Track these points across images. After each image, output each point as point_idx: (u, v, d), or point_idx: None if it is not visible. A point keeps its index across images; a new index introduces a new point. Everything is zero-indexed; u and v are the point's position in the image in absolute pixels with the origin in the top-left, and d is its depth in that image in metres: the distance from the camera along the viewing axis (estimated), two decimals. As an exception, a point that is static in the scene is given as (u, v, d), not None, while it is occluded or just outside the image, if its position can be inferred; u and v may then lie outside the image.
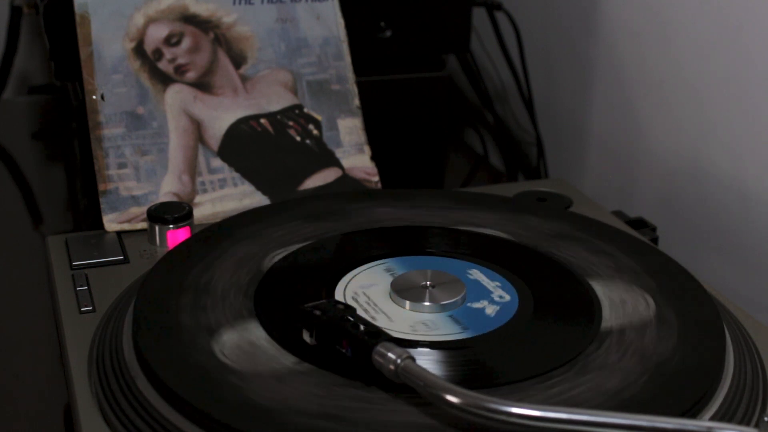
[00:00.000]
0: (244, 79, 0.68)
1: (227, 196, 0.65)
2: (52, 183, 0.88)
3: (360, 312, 0.48)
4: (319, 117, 0.69)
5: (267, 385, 0.43)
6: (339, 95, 0.70)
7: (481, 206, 0.63)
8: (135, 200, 0.63)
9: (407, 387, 0.40)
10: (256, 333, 0.47)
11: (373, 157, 0.70)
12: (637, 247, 0.57)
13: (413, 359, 0.40)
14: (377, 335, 0.42)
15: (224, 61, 0.68)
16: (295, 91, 0.69)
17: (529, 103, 0.94)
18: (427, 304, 0.49)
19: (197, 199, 0.64)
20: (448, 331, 0.47)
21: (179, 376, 0.43)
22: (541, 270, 0.54)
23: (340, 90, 0.70)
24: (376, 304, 0.50)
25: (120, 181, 0.63)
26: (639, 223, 0.66)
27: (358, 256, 0.55)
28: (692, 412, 0.42)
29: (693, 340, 0.47)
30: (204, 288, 0.51)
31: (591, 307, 0.50)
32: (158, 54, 0.66)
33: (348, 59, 0.71)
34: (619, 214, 0.67)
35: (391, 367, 0.40)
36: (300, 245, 0.56)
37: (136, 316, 0.48)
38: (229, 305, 0.50)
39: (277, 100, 0.69)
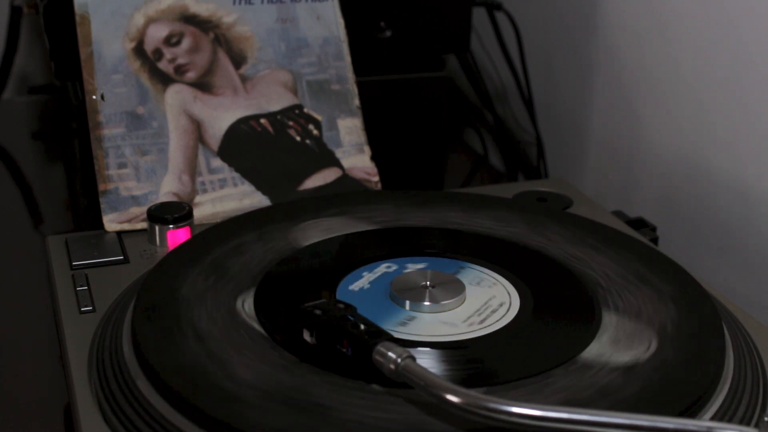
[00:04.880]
0: (244, 79, 0.68)
1: (227, 196, 0.65)
2: (52, 183, 0.88)
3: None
4: (319, 117, 0.69)
5: (268, 386, 0.43)
6: (339, 95, 0.70)
7: (481, 207, 0.63)
8: (135, 200, 0.63)
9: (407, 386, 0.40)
10: (257, 334, 0.47)
11: (373, 157, 0.70)
12: (637, 247, 0.57)
13: (413, 359, 0.40)
14: (378, 335, 0.42)
15: (224, 61, 0.68)
16: (295, 91, 0.69)
17: (529, 103, 0.94)
18: (426, 304, 0.50)
19: (197, 199, 0.64)
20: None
21: (179, 375, 0.43)
22: (541, 270, 0.54)
23: (340, 90, 0.70)
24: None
25: (120, 181, 0.63)
26: (639, 223, 0.66)
27: (360, 256, 0.55)
28: (692, 412, 0.42)
29: (693, 340, 0.47)
30: (204, 288, 0.51)
31: (590, 306, 0.50)
32: (158, 54, 0.66)
33: (348, 59, 0.71)
34: (619, 214, 0.67)
35: (392, 366, 0.40)
36: (300, 246, 0.56)
37: (136, 316, 0.48)
38: (230, 306, 0.50)
39: (277, 100, 0.69)
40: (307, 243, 0.57)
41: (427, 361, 0.45)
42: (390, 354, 0.41)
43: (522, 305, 0.50)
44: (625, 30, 0.82)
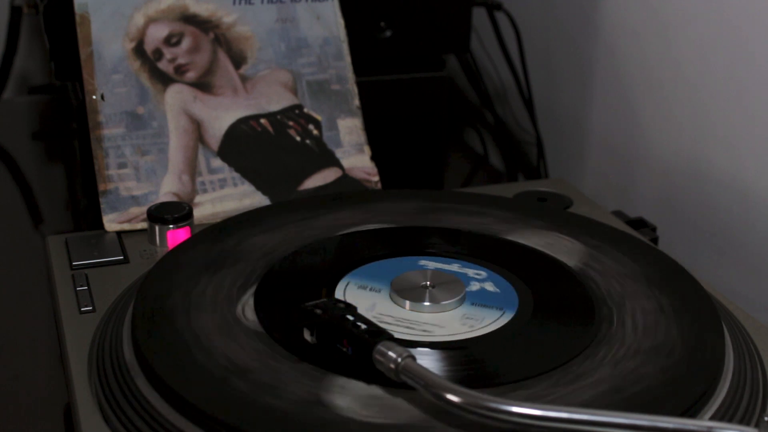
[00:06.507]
0: (244, 79, 0.68)
1: (227, 196, 0.65)
2: (52, 183, 0.88)
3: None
4: (319, 117, 0.69)
5: (268, 386, 0.43)
6: (339, 95, 0.70)
7: (482, 206, 0.63)
8: (135, 200, 0.63)
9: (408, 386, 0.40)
10: (257, 333, 0.47)
11: (373, 157, 0.70)
12: (637, 247, 0.57)
13: (414, 358, 0.41)
14: (378, 334, 0.42)
15: (224, 61, 0.68)
16: (295, 91, 0.69)
17: (529, 103, 0.94)
18: (426, 304, 0.50)
19: (197, 199, 0.64)
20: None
21: (179, 375, 0.43)
22: (541, 270, 0.54)
23: (340, 90, 0.70)
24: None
25: (120, 181, 0.63)
26: (639, 223, 0.66)
27: (359, 255, 0.55)
28: (692, 412, 0.42)
29: (693, 341, 0.47)
30: (204, 288, 0.51)
31: (590, 307, 0.50)
32: (158, 54, 0.66)
33: (348, 59, 0.71)
34: (619, 214, 0.67)
35: (392, 366, 0.40)
36: (298, 246, 0.56)
37: (136, 316, 0.48)
38: (230, 305, 0.50)
39: (277, 100, 0.69)
40: (306, 242, 0.57)
41: (427, 361, 0.45)
42: (390, 353, 0.41)
43: (522, 305, 0.50)
44: (625, 30, 0.82)
